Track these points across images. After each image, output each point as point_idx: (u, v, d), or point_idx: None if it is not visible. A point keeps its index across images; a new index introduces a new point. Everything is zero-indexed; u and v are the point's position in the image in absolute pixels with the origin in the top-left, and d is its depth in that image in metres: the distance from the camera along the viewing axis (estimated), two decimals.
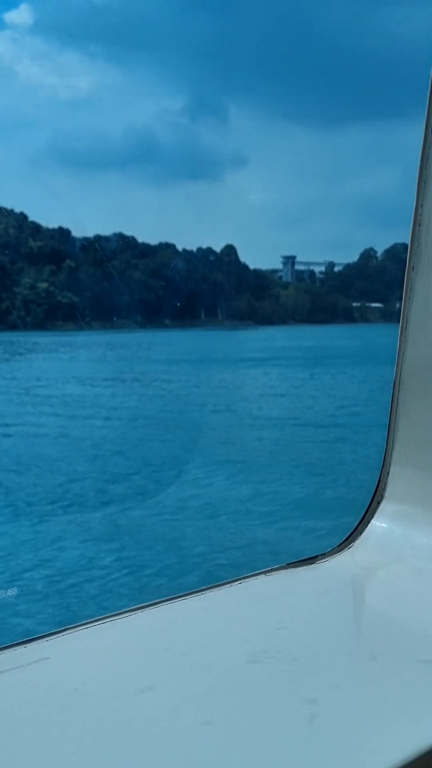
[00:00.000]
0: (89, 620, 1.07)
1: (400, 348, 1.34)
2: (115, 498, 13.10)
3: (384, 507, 1.37)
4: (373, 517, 1.36)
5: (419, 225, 1.31)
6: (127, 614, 1.10)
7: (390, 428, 1.36)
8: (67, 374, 25.60)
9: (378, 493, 1.37)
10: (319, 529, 10.77)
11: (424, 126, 1.25)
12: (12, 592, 7.90)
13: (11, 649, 1.00)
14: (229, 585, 1.21)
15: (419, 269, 1.32)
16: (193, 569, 9.42)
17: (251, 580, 1.23)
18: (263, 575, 1.25)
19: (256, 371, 26.20)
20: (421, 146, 1.27)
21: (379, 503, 1.37)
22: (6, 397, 22.34)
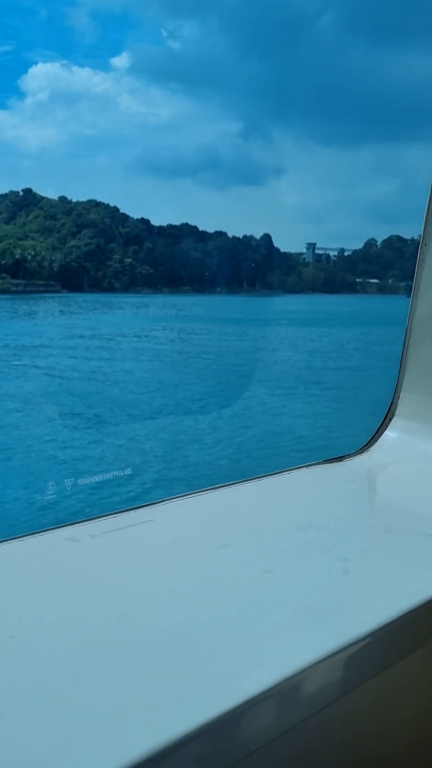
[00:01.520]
0: (181, 494, 1.07)
1: (412, 303, 1.29)
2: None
3: (394, 422, 1.33)
4: (386, 429, 1.33)
5: (431, 212, 1.25)
6: (208, 491, 1.10)
7: (402, 363, 1.32)
8: (146, 321, 26.53)
9: (391, 411, 1.34)
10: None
11: None
12: None
13: (125, 513, 1.00)
14: (281, 474, 1.20)
15: (430, 245, 1.26)
16: None
17: (297, 472, 1.22)
18: (305, 468, 1.23)
19: (267, 328, 26.38)
20: None
21: (390, 419, 1.34)
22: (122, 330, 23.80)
